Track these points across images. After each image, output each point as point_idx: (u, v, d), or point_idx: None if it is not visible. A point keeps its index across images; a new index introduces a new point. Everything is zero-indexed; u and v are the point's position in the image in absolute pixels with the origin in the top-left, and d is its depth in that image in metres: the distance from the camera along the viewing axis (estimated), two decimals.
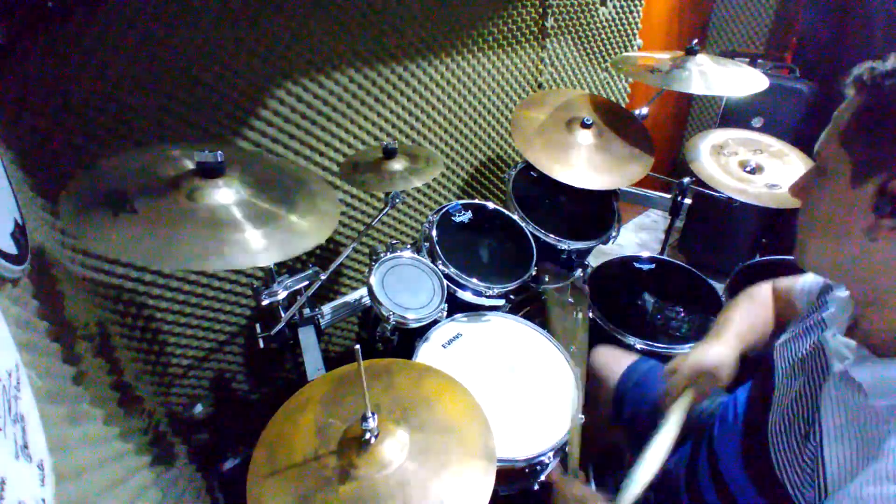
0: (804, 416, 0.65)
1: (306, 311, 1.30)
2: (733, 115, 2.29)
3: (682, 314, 1.44)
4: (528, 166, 1.59)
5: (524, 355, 1.23)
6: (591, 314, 1.40)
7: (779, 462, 0.66)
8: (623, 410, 1.14)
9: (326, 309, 1.47)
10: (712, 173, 1.52)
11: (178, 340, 1.44)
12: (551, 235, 1.48)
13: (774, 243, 2.41)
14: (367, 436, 0.74)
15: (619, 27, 2.14)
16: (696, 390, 0.90)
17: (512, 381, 1.16)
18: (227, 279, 1.45)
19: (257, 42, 1.23)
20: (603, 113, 1.65)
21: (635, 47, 2.26)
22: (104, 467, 0.75)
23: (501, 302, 1.36)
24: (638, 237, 2.94)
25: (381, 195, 1.57)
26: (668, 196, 1.73)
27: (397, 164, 1.24)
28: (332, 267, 1.21)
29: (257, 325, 1.24)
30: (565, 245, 1.49)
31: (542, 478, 1.08)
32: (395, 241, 1.39)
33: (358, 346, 0.70)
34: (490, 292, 1.31)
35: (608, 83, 2.28)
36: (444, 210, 1.43)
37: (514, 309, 1.52)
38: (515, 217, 1.50)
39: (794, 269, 0.80)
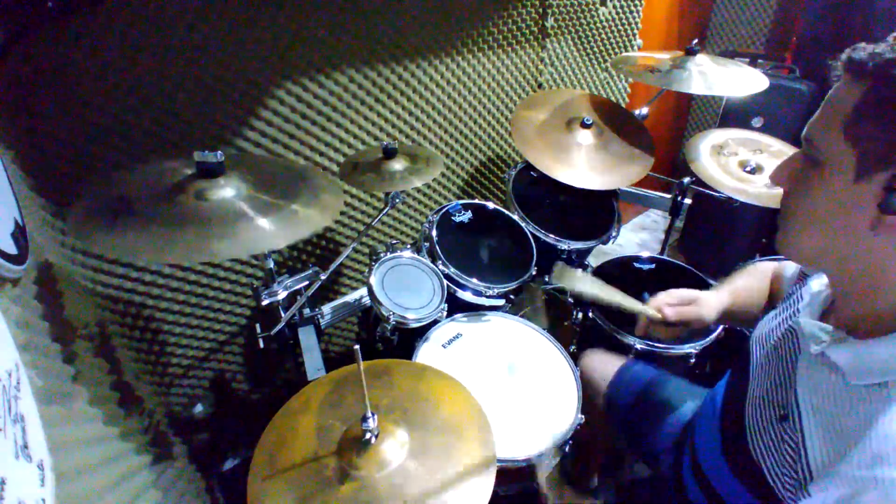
0: (780, 401, 0.65)
1: (306, 311, 1.30)
2: (733, 115, 2.29)
3: None
4: (528, 166, 1.59)
5: (524, 355, 1.23)
6: (591, 314, 1.40)
7: (757, 451, 0.66)
8: (615, 412, 1.14)
9: (326, 309, 1.47)
10: (712, 173, 1.52)
11: (178, 340, 1.44)
12: (551, 235, 1.48)
13: (774, 243, 2.40)
14: (367, 436, 0.74)
15: (619, 27, 2.14)
16: (675, 311, 0.91)
17: (512, 380, 1.16)
18: (227, 279, 1.45)
19: (257, 42, 1.23)
20: (603, 113, 1.65)
21: (635, 47, 2.26)
22: (104, 467, 0.75)
23: (501, 302, 1.36)
24: (638, 237, 2.93)
25: (381, 195, 1.57)
26: (668, 196, 1.72)
27: (397, 164, 1.24)
28: (332, 267, 1.21)
29: (257, 325, 1.24)
30: (565, 245, 1.49)
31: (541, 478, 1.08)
32: (395, 241, 1.39)
33: (357, 347, 0.70)
34: (490, 292, 1.31)
35: (608, 83, 2.28)
36: (444, 210, 1.43)
37: (514, 309, 1.52)
38: (515, 217, 1.50)
39: None
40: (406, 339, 1.28)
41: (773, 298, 0.95)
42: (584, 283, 0.94)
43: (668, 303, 0.93)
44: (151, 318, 1.35)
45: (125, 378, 1.06)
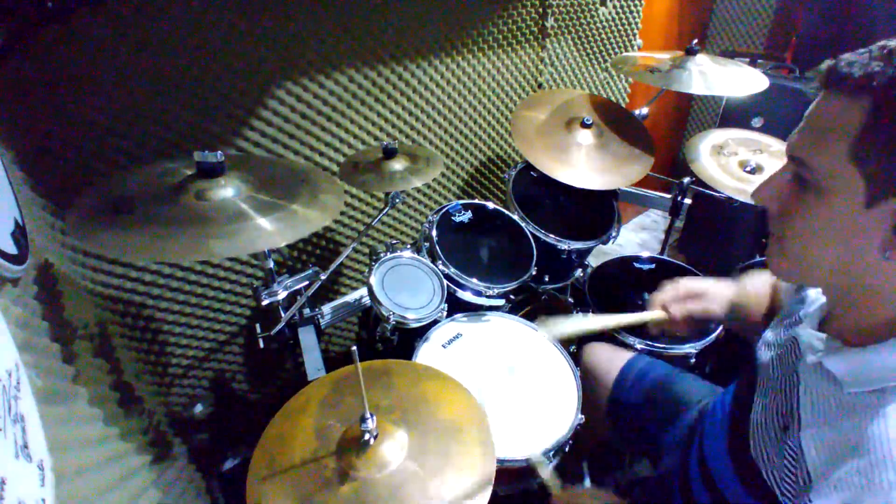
0: (783, 410, 0.65)
1: (306, 311, 1.30)
2: (733, 115, 2.29)
3: None
4: (528, 166, 1.59)
5: (524, 355, 1.23)
6: (591, 314, 1.40)
7: (760, 458, 0.67)
8: (620, 409, 1.13)
9: (326, 309, 1.48)
10: (712, 173, 1.52)
11: (178, 340, 1.44)
12: (551, 235, 1.48)
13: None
14: (366, 436, 0.74)
15: (619, 27, 2.14)
16: (682, 308, 0.91)
17: (511, 381, 1.16)
18: (227, 279, 1.45)
19: (257, 42, 1.23)
20: (603, 113, 1.65)
21: (635, 47, 2.26)
22: (104, 467, 0.76)
23: (501, 302, 1.36)
24: (638, 237, 2.93)
25: (381, 195, 1.57)
26: (668, 196, 1.72)
27: (397, 164, 1.24)
28: (332, 267, 1.21)
29: (257, 325, 1.25)
30: (565, 245, 1.49)
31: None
32: (395, 241, 1.39)
33: (355, 348, 0.70)
34: (490, 292, 1.31)
35: (608, 83, 2.28)
36: (444, 210, 1.43)
37: (513, 309, 1.52)
38: (515, 217, 1.50)
39: None
40: (406, 339, 1.28)
41: (773, 307, 0.95)
42: (575, 324, 0.92)
43: (675, 297, 0.93)
44: (151, 318, 1.35)
45: (125, 378, 1.06)
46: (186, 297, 1.39)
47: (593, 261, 1.68)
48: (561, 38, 1.95)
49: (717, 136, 1.67)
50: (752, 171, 1.52)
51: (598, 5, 1.99)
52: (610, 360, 1.19)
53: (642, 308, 1.46)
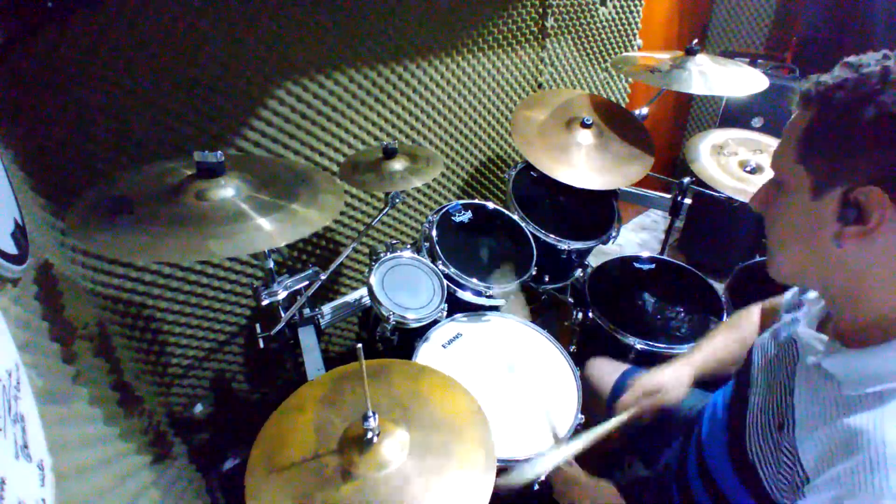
0: (778, 409, 0.67)
1: (306, 311, 1.30)
2: (733, 115, 2.29)
3: (682, 314, 1.44)
4: (528, 166, 1.59)
5: (524, 355, 1.23)
6: (591, 314, 1.40)
7: (754, 455, 0.68)
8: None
9: (326, 309, 1.47)
10: (712, 173, 1.52)
11: (178, 340, 1.44)
12: (551, 235, 1.48)
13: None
14: (369, 435, 0.74)
15: (619, 27, 2.14)
16: (640, 407, 0.98)
17: (511, 381, 1.16)
18: (227, 279, 1.45)
19: (257, 42, 1.23)
20: (603, 113, 1.65)
21: (635, 47, 2.26)
22: (104, 467, 0.75)
23: (501, 302, 1.36)
24: (638, 237, 2.94)
25: (381, 195, 1.57)
26: (668, 196, 1.72)
27: (397, 164, 1.24)
28: (332, 267, 1.21)
29: (257, 325, 1.24)
30: (565, 245, 1.49)
31: (542, 477, 1.08)
32: (395, 241, 1.39)
33: (360, 345, 0.70)
34: (490, 292, 1.31)
35: (608, 83, 2.28)
36: (444, 210, 1.43)
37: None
38: (515, 217, 1.50)
39: None
40: (406, 339, 1.28)
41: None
42: (552, 457, 0.92)
43: (636, 398, 0.98)
44: (151, 318, 1.35)
45: (125, 378, 1.06)
46: (186, 297, 1.39)
47: (593, 261, 1.68)
48: (561, 38, 1.95)
49: (717, 136, 1.67)
50: (752, 172, 1.52)
51: (598, 5, 2.00)
52: (609, 374, 1.20)
53: (642, 308, 1.48)
